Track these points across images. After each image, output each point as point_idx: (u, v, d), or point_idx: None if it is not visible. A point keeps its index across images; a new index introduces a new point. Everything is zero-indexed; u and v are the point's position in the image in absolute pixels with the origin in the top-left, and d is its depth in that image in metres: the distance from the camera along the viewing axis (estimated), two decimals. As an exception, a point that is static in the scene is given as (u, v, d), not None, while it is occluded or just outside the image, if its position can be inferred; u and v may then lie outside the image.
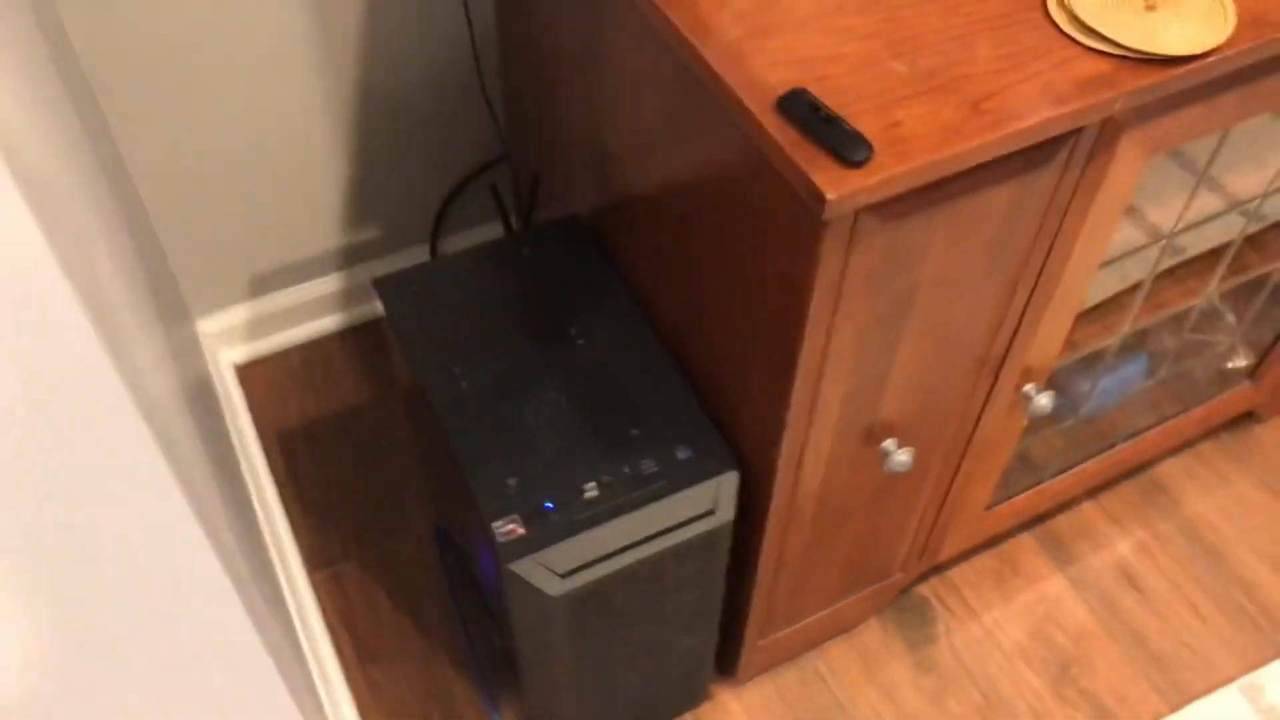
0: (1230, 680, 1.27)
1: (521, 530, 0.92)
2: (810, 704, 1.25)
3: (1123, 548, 1.38)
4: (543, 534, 0.92)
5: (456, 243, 1.57)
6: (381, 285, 1.08)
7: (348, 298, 1.55)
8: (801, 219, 0.74)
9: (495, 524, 0.92)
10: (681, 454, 0.97)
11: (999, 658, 1.29)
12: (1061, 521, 1.40)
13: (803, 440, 0.92)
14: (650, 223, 1.00)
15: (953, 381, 0.97)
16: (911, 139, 0.71)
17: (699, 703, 1.24)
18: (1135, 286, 1.11)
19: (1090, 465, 1.29)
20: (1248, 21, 0.80)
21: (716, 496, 0.97)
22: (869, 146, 0.69)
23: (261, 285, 1.49)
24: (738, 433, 0.98)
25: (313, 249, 1.48)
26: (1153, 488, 1.43)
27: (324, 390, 1.50)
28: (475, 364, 1.02)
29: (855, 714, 1.24)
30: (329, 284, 1.53)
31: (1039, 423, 1.18)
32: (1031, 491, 1.26)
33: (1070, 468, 1.28)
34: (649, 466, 0.96)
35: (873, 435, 0.97)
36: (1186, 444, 1.47)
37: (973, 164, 0.73)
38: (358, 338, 1.56)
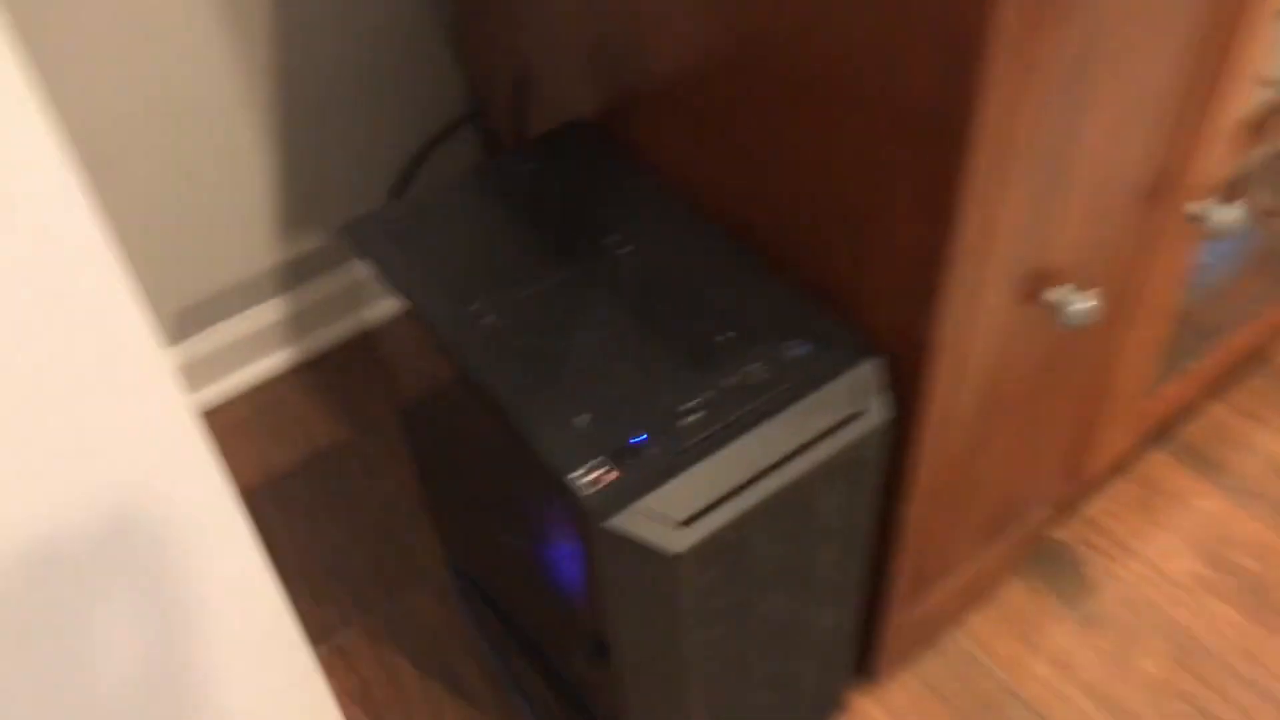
0: None
1: (613, 474, 0.66)
2: (971, 694, 0.98)
3: (1273, 445, 1.16)
4: (641, 474, 0.66)
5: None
6: (353, 230, 0.83)
7: (296, 326, 1.28)
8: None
9: (573, 474, 0.66)
10: (794, 350, 0.72)
11: (1180, 596, 1.04)
12: (1192, 430, 1.18)
13: (969, 295, 0.68)
14: (696, 99, 0.77)
15: (1125, 204, 0.75)
16: None
17: (832, 714, 0.97)
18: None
19: (1211, 357, 1.08)
20: None
21: (856, 394, 0.72)
22: None
23: (189, 322, 1.22)
24: (865, 314, 0.74)
25: (246, 269, 1.22)
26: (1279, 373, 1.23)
27: (285, 438, 1.22)
28: (496, 296, 0.76)
29: (1030, 697, 0.98)
30: (270, 312, 1.26)
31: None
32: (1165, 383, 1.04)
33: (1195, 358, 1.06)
34: (758, 373, 0.71)
35: (1038, 287, 0.74)
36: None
37: None
38: (315, 374, 1.28)
